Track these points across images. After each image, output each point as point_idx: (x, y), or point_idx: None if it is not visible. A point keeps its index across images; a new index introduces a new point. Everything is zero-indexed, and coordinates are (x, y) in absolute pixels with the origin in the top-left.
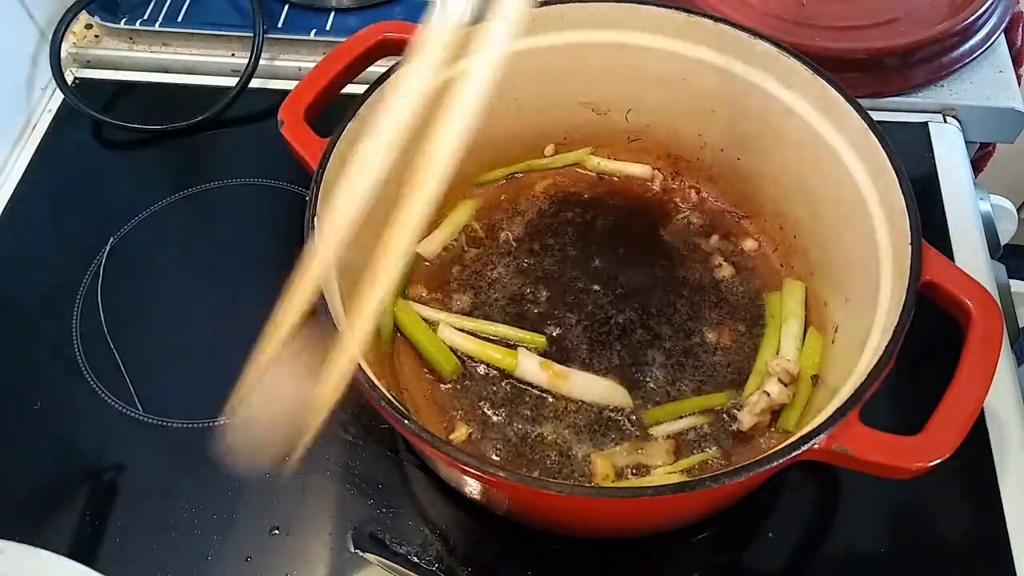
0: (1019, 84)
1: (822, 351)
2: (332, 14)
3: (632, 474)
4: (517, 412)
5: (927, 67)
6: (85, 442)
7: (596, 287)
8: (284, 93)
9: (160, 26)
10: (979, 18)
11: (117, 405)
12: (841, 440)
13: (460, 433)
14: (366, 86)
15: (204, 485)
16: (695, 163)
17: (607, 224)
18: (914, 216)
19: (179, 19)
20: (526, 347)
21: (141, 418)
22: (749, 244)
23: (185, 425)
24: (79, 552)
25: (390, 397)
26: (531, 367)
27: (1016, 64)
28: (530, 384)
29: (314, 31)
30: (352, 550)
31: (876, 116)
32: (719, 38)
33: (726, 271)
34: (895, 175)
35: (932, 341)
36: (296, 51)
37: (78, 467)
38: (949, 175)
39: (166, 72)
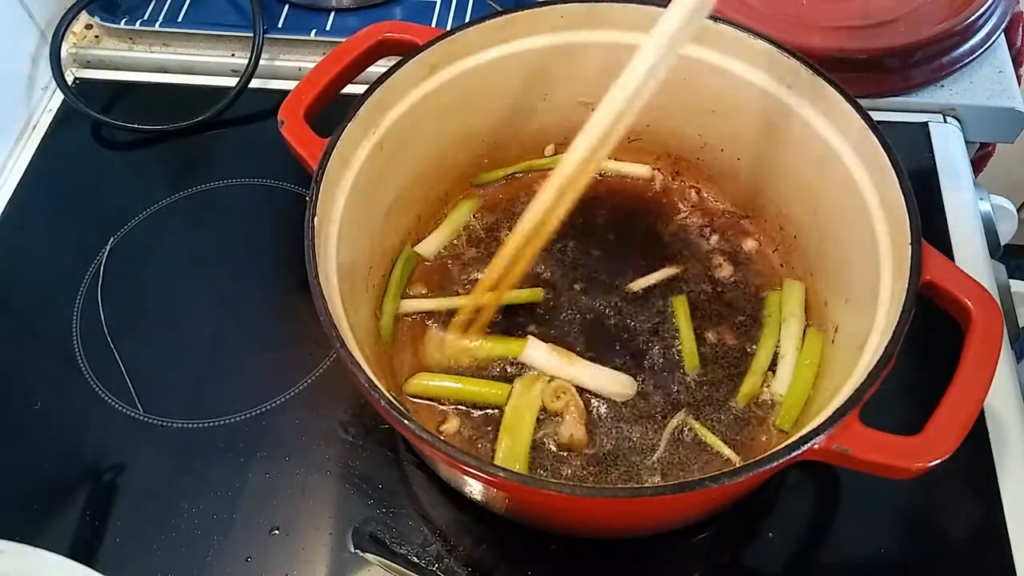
0: (1019, 84)
1: (822, 351)
2: (332, 14)
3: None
4: None
5: (927, 67)
6: (86, 442)
7: (595, 287)
8: (284, 93)
9: (160, 26)
10: (979, 18)
11: (117, 405)
12: (841, 440)
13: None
14: (366, 86)
15: (204, 485)
16: (695, 163)
17: (607, 224)
18: (914, 216)
19: (179, 19)
20: (533, 334)
21: (141, 418)
22: (749, 244)
23: (185, 425)
24: (79, 552)
25: (390, 397)
26: (538, 354)
27: (1016, 64)
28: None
29: (314, 31)
30: (352, 550)
31: (876, 116)
32: (719, 38)
33: (726, 271)
34: (895, 175)
35: (932, 341)
36: (296, 51)
37: (78, 467)
38: (949, 175)
39: (166, 72)
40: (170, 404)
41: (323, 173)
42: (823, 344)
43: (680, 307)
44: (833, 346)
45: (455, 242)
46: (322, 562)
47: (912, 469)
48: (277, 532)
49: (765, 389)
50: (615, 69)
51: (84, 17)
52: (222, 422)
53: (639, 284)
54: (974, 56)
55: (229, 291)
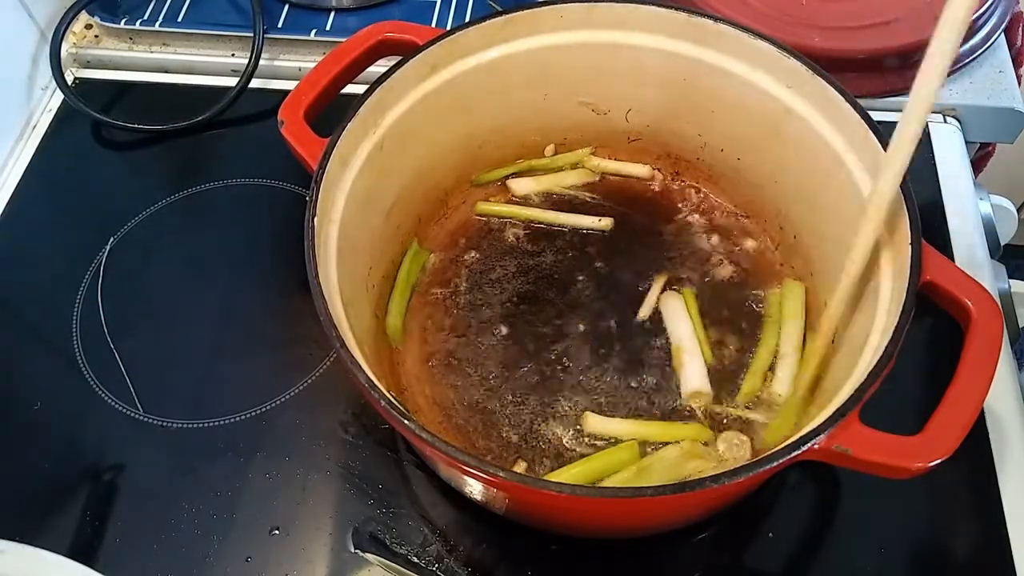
0: (1019, 84)
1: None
2: (332, 14)
3: None
4: (519, 412)
5: None
6: (85, 442)
7: (596, 287)
8: (284, 93)
9: (160, 26)
10: (979, 18)
11: (117, 405)
12: (841, 440)
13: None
14: (366, 86)
15: (204, 485)
16: (695, 163)
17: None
18: (914, 216)
19: (179, 19)
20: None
21: (141, 418)
22: (749, 244)
23: (185, 425)
24: (79, 552)
25: (390, 397)
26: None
27: (1016, 64)
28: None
29: (314, 31)
30: (352, 550)
31: (876, 116)
32: (719, 38)
33: (726, 271)
34: None
35: (932, 341)
36: (296, 51)
37: (78, 467)
38: (949, 175)
39: (166, 72)
40: (170, 404)
41: (323, 173)
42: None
43: (688, 300)
44: (833, 346)
45: (462, 243)
46: (322, 562)
47: (912, 469)
48: (277, 532)
49: (765, 389)
50: (615, 69)
51: (84, 17)
52: (222, 422)
53: (645, 310)
54: (974, 56)
55: (229, 291)
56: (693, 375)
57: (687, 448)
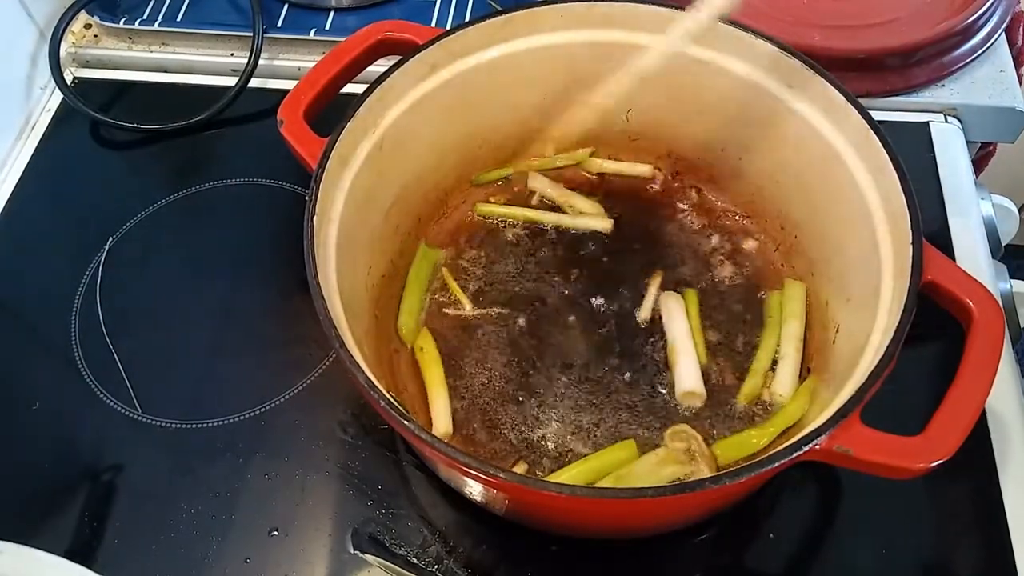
0: (1020, 83)
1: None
2: (332, 14)
3: None
4: (520, 413)
5: (928, 67)
6: (84, 442)
7: (596, 287)
8: (284, 93)
9: (159, 26)
10: (980, 18)
11: (116, 405)
12: (842, 440)
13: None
14: (366, 86)
15: (203, 486)
16: (695, 163)
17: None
18: (915, 216)
19: (178, 19)
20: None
21: (140, 418)
22: (750, 244)
23: (184, 425)
24: (77, 553)
25: (390, 397)
26: None
27: (1017, 64)
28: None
29: (314, 31)
30: (351, 551)
31: (877, 116)
32: (719, 38)
33: (726, 271)
34: (896, 175)
35: (934, 341)
36: (296, 51)
37: (77, 467)
38: (950, 175)
39: (165, 72)
40: (169, 404)
41: (323, 173)
42: (824, 344)
43: (689, 301)
44: (834, 346)
45: (462, 242)
46: (321, 563)
47: (913, 469)
48: (276, 533)
49: (765, 389)
50: (615, 68)
51: (83, 16)
52: (221, 422)
53: (645, 311)
54: (975, 56)
55: (228, 291)
56: (687, 376)
57: (662, 455)
